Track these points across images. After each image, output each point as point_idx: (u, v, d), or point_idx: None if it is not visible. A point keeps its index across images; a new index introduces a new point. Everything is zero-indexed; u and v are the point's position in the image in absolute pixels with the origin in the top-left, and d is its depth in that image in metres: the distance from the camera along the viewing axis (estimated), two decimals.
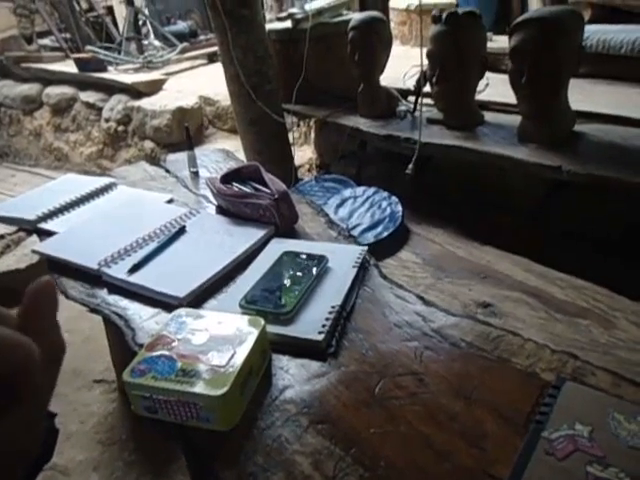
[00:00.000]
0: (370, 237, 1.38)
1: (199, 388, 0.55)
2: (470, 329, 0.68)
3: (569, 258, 1.18)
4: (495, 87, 1.60)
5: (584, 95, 1.42)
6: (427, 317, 0.71)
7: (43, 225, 1.05)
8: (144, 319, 0.76)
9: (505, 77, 1.24)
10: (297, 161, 2.10)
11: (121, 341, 0.75)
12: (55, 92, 3.41)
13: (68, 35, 3.99)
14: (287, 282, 0.77)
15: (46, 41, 4.21)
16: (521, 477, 0.45)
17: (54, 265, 0.92)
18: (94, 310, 0.81)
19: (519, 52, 1.17)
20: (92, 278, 0.87)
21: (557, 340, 0.82)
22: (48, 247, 0.95)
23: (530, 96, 1.20)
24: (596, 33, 1.63)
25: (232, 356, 0.58)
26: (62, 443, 1.43)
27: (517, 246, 1.26)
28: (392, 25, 2.82)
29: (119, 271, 0.84)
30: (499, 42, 1.95)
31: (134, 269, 0.84)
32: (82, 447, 1.44)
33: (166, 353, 0.60)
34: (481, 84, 1.46)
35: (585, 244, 1.24)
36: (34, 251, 0.96)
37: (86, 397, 1.60)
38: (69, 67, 3.44)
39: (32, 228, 1.06)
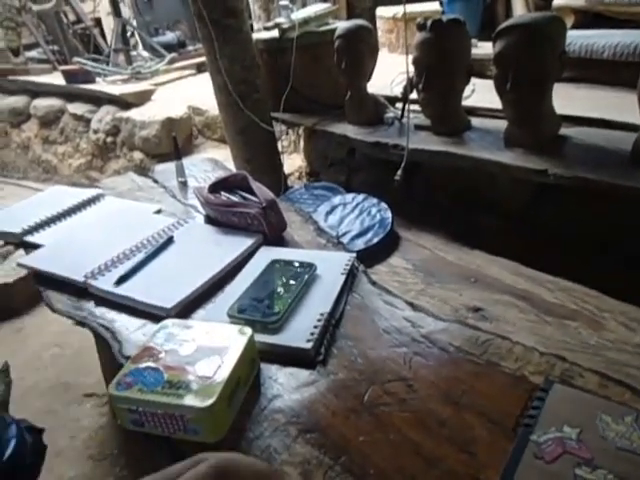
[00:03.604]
0: (360, 244, 1.38)
1: (186, 400, 0.54)
2: (459, 334, 0.68)
3: (557, 260, 1.18)
4: (481, 93, 1.62)
5: (568, 99, 1.44)
6: (416, 323, 0.71)
7: (29, 238, 1.04)
8: (131, 331, 0.75)
9: (491, 83, 1.25)
10: (287, 169, 2.11)
11: (111, 354, 0.74)
12: (43, 104, 3.39)
13: (55, 47, 3.99)
14: (276, 290, 0.76)
15: (33, 53, 4.20)
16: None
17: (40, 278, 0.91)
18: (80, 323, 0.80)
19: (503, 58, 1.18)
20: (79, 290, 0.86)
21: (547, 343, 0.82)
22: (34, 260, 0.94)
23: (515, 101, 1.21)
24: (579, 38, 1.65)
25: (219, 366, 0.58)
26: (52, 459, 1.40)
27: (506, 250, 1.26)
28: (379, 33, 2.84)
29: (106, 283, 0.83)
30: (485, 48, 1.96)
31: (121, 280, 0.83)
32: (72, 463, 1.42)
33: (152, 365, 0.59)
34: (467, 90, 1.47)
35: (573, 246, 1.25)
36: (19, 264, 0.95)
37: (76, 412, 1.58)
38: (57, 79, 3.44)
39: (18, 241, 1.05)
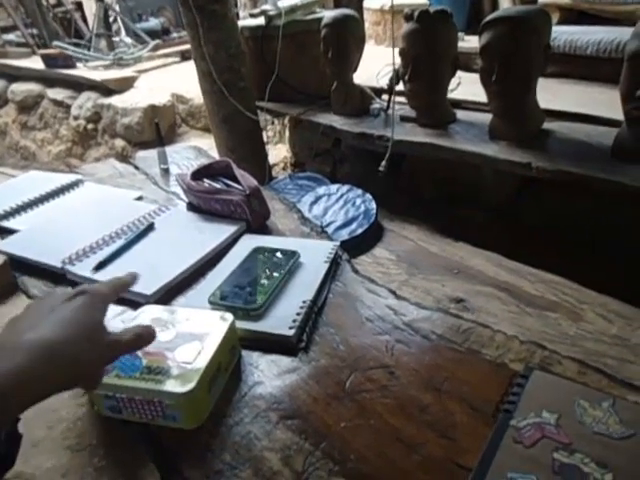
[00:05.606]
0: (344, 234, 1.38)
1: (164, 385, 0.53)
2: (441, 322, 0.68)
3: (539, 253, 1.20)
4: (467, 86, 1.62)
5: (552, 94, 1.45)
6: (398, 311, 0.71)
7: (4, 223, 1.01)
8: (110, 318, 0.73)
9: (477, 76, 1.25)
10: (272, 159, 2.09)
11: None
12: (21, 89, 3.30)
13: (35, 31, 3.88)
14: (258, 278, 0.75)
15: (11, 36, 4.08)
16: (489, 465, 0.45)
17: (17, 264, 0.89)
18: None
19: (489, 50, 1.18)
20: (56, 276, 0.84)
21: (527, 333, 0.83)
22: (9, 245, 0.91)
23: (500, 93, 1.21)
24: (563, 34, 1.67)
25: (200, 352, 0.57)
26: (29, 450, 1.38)
27: (489, 242, 1.27)
28: (367, 25, 2.83)
29: (84, 269, 0.81)
30: (471, 42, 1.97)
31: (100, 267, 0.82)
32: (50, 453, 1.40)
33: None
34: (453, 83, 1.47)
35: (554, 239, 1.26)
36: None
37: (54, 402, 1.55)
38: (36, 63, 3.34)
39: None
